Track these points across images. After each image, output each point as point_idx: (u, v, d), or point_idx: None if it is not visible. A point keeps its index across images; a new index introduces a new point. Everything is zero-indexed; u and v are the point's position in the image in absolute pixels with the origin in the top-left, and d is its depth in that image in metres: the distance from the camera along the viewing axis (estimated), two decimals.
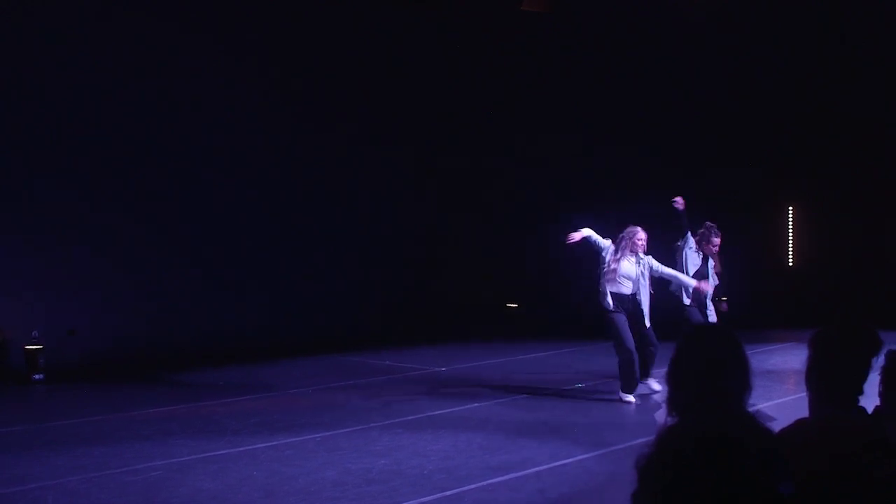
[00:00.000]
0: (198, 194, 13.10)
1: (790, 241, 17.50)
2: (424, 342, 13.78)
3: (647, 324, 9.40)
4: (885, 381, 2.66)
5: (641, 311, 9.38)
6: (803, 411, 2.74)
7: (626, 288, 9.40)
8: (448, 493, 6.32)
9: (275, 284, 13.86)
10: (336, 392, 10.29)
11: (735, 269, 16.77)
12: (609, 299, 9.33)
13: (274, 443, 7.81)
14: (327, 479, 6.67)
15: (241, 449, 7.62)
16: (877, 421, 2.69)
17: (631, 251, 9.44)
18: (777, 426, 2.39)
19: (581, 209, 14.54)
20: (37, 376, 11.26)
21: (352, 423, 8.58)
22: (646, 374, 9.53)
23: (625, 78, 16.29)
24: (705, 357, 2.39)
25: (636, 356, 9.21)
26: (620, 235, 9.50)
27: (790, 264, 17.49)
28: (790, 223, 17.51)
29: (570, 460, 7.12)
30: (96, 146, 12.18)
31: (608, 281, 9.37)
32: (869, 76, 15.76)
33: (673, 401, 2.37)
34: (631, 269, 9.40)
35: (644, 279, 9.42)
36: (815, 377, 2.72)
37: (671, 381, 2.41)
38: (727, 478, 1.56)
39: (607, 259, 9.43)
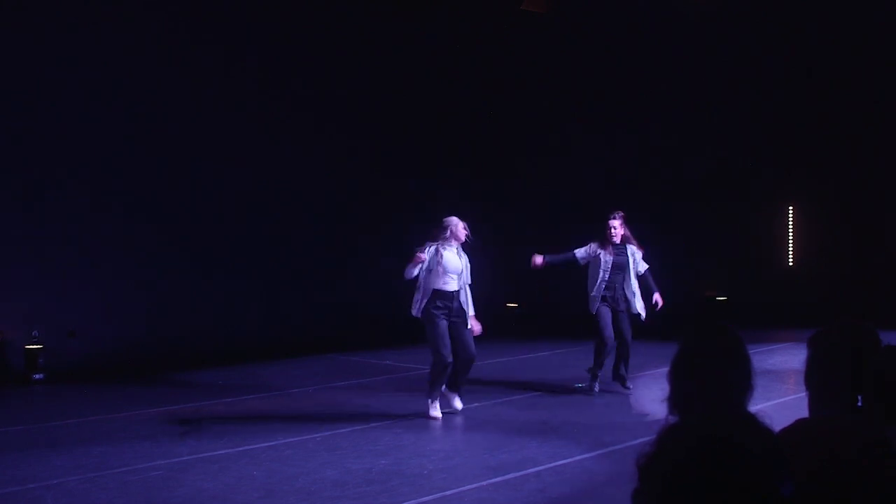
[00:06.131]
0: (198, 194, 13.10)
1: (790, 241, 17.52)
2: (424, 342, 13.76)
3: (470, 322, 8.65)
4: (869, 386, 2.65)
5: (464, 310, 8.64)
6: (803, 411, 2.74)
7: (452, 284, 8.62)
8: (448, 492, 6.32)
9: (275, 284, 13.86)
10: (336, 392, 10.30)
11: (736, 269, 16.87)
12: (426, 301, 8.53)
13: (274, 443, 7.81)
14: (327, 479, 6.67)
15: (241, 449, 7.62)
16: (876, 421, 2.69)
17: (456, 240, 8.68)
18: (777, 426, 2.39)
19: (580, 208, 14.58)
20: (37, 376, 11.27)
21: (352, 422, 8.58)
22: (454, 387, 8.80)
23: (624, 78, 16.29)
24: (707, 355, 2.39)
25: (448, 369, 8.60)
26: (442, 226, 8.67)
27: (790, 264, 17.50)
28: (790, 223, 17.52)
29: (570, 460, 7.12)
30: (97, 147, 12.17)
31: (434, 277, 8.54)
32: (869, 76, 15.77)
33: (674, 399, 2.37)
34: (456, 262, 8.63)
35: (467, 272, 8.72)
36: (815, 377, 2.72)
37: (672, 378, 2.41)
38: (728, 477, 1.56)
39: (428, 255, 8.56)
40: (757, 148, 16.80)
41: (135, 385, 10.84)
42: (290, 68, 14.04)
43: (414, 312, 8.66)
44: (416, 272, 8.58)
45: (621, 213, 9.84)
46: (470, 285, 8.80)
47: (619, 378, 9.82)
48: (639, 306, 9.75)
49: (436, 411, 8.68)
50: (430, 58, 15.40)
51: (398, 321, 14.47)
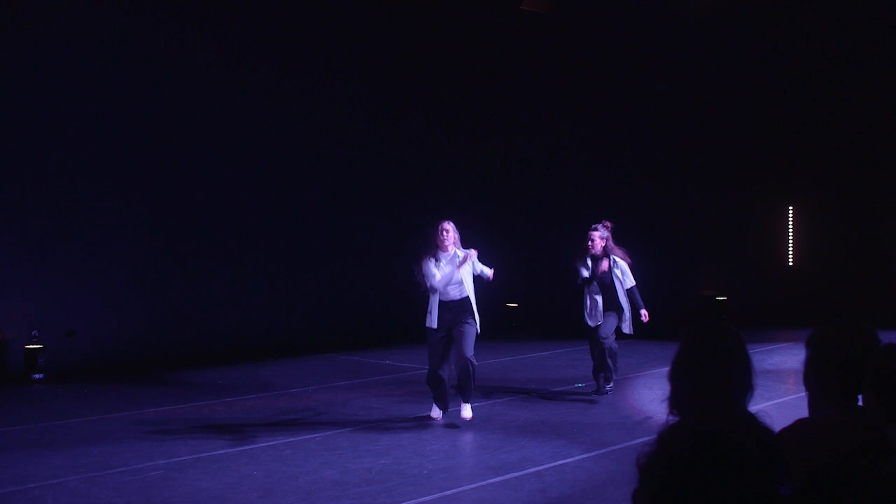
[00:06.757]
0: (198, 194, 13.10)
1: (790, 241, 17.52)
2: (424, 342, 13.77)
3: (477, 329, 8.34)
4: (868, 385, 2.65)
5: (472, 312, 8.30)
6: (803, 411, 2.74)
7: (455, 293, 8.32)
8: (448, 492, 6.33)
9: (275, 284, 13.87)
10: (336, 392, 10.30)
11: (736, 269, 16.86)
12: (434, 317, 8.28)
13: (274, 442, 7.82)
14: (327, 479, 6.67)
15: (241, 448, 7.63)
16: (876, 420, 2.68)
17: (441, 248, 8.31)
18: (777, 426, 2.39)
19: (580, 209, 14.58)
20: (37, 376, 11.27)
21: (352, 422, 8.59)
22: (461, 395, 8.41)
23: (624, 78, 16.29)
24: (707, 355, 2.38)
25: (440, 379, 8.39)
26: (431, 234, 8.40)
27: (790, 264, 17.50)
28: (790, 223, 17.52)
29: (570, 460, 7.13)
30: (97, 146, 12.18)
31: (434, 293, 8.29)
32: (869, 76, 15.77)
33: (674, 399, 2.37)
34: (451, 270, 8.28)
35: (470, 278, 8.33)
36: (814, 377, 2.72)
37: (672, 378, 2.40)
38: (727, 478, 1.56)
39: (425, 269, 8.27)
40: (757, 148, 16.80)
41: (135, 385, 10.84)
42: (291, 70, 14.03)
43: (428, 324, 8.41)
44: (429, 281, 8.33)
45: (608, 224, 9.61)
46: (487, 275, 8.47)
47: (599, 379, 9.59)
48: (625, 325, 9.51)
49: (435, 412, 8.68)
50: (430, 58, 15.40)
51: (398, 321, 14.56)
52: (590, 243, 9.48)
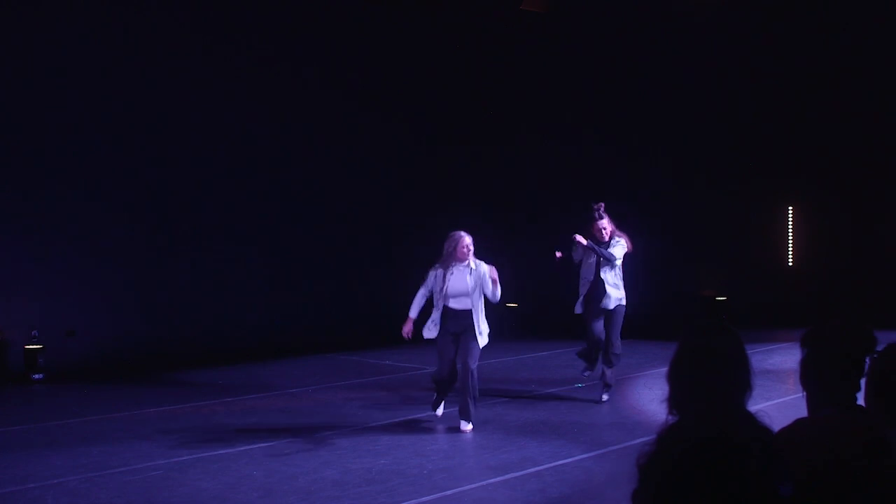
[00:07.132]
0: (198, 194, 13.10)
1: (790, 241, 17.52)
2: (424, 342, 13.75)
3: (483, 341, 8.24)
4: (870, 385, 2.65)
5: (473, 328, 8.17)
6: (803, 411, 2.74)
7: (460, 304, 8.20)
8: (448, 492, 6.33)
9: (275, 284, 13.86)
10: (336, 392, 10.31)
11: (736, 269, 16.86)
12: (434, 325, 8.27)
13: (274, 443, 7.82)
14: (327, 479, 6.68)
15: (241, 449, 7.63)
16: (876, 420, 2.68)
17: (459, 260, 8.20)
18: (777, 426, 2.39)
19: (581, 207, 14.57)
20: (37, 376, 11.27)
21: (352, 422, 8.59)
22: (461, 411, 8.22)
23: (623, 78, 16.29)
24: (707, 355, 2.38)
25: (447, 382, 8.33)
26: (446, 244, 8.29)
27: (790, 264, 17.50)
28: (790, 223, 17.52)
29: (570, 460, 7.13)
30: (96, 146, 12.18)
31: (442, 299, 8.20)
32: (869, 76, 15.76)
33: (674, 399, 2.37)
34: (462, 285, 8.18)
35: (478, 291, 8.22)
36: (811, 376, 2.71)
37: (671, 378, 2.41)
38: (727, 478, 1.56)
39: (432, 279, 8.28)
40: (757, 148, 16.80)
41: (135, 385, 10.84)
42: (290, 70, 14.02)
43: (425, 334, 8.35)
44: (422, 300, 8.37)
45: (603, 206, 9.21)
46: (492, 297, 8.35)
47: (602, 385, 9.35)
48: (614, 297, 9.07)
49: (435, 410, 8.65)
50: (430, 57, 15.40)
51: (398, 321, 14.50)
52: (603, 231, 9.16)
